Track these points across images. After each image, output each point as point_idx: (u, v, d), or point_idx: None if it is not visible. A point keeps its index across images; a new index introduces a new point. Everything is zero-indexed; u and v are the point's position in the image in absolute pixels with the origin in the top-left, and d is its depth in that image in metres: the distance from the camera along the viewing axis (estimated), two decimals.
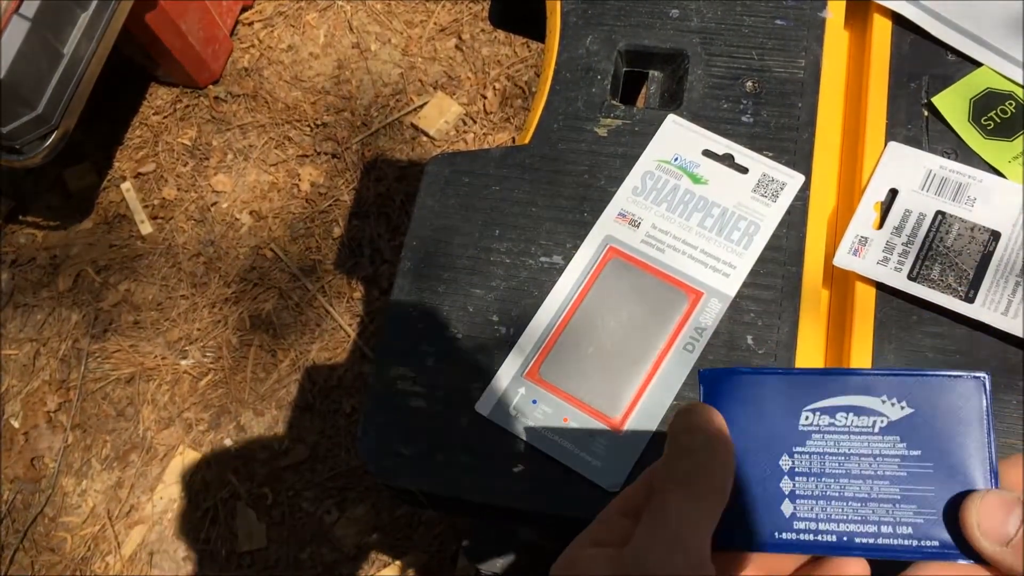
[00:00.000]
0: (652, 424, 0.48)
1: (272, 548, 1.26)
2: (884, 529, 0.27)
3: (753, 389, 0.29)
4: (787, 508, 0.28)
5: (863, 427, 0.28)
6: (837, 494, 0.28)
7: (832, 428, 0.28)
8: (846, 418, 0.28)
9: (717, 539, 0.27)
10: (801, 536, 0.28)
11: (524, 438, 0.49)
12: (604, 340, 0.51)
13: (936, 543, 0.27)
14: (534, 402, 0.49)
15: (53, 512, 1.33)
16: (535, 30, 0.64)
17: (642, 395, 0.49)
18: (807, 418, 0.29)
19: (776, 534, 0.28)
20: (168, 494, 1.31)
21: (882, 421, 0.28)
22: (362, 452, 0.50)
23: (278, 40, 1.61)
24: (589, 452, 0.48)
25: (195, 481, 1.31)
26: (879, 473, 0.28)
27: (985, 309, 0.48)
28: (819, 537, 0.28)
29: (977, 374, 0.28)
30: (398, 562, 1.23)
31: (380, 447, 0.50)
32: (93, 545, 1.30)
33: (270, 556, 1.25)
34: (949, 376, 0.28)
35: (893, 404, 0.28)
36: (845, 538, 0.27)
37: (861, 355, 0.49)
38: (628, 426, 0.48)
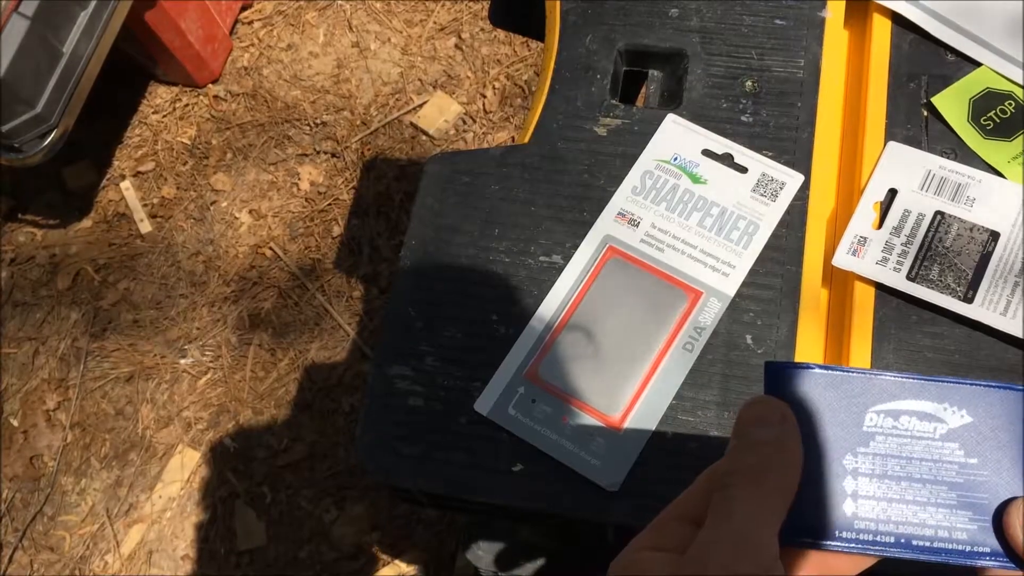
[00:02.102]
0: (651, 423, 0.48)
1: (271, 547, 1.26)
2: (940, 534, 0.28)
3: (818, 386, 0.29)
4: (849, 507, 0.28)
5: (925, 432, 0.29)
6: (898, 496, 0.28)
7: (895, 431, 0.29)
8: (909, 422, 0.29)
9: (779, 535, 0.27)
10: (861, 536, 0.28)
11: (523, 437, 0.49)
12: (603, 339, 0.51)
13: (988, 550, 0.28)
14: (533, 401, 0.49)
15: (52, 511, 1.33)
16: (535, 29, 0.64)
17: (641, 394, 0.49)
18: (871, 419, 0.29)
19: (838, 532, 0.28)
20: (167, 493, 1.31)
21: (943, 428, 0.29)
22: (361, 451, 0.50)
23: (278, 39, 1.61)
24: (588, 451, 0.48)
25: (194, 480, 1.31)
26: (938, 479, 0.28)
27: (984, 309, 0.48)
28: (878, 538, 0.28)
29: None
30: (397, 561, 1.23)
31: (379, 446, 0.50)
32: (92, 544, 1.30)
33: (269, 555, 1.25)
34: (1008, 389, 0.29)
35: (954, 412, 0.29)
36: (903, 540, 0.28)
37: (860, 355, 0.49)
38: (627, 425, 0.48)
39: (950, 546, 0.28)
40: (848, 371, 0.29)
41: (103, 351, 1.41)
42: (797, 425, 0.28)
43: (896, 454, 0.29)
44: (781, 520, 0.26)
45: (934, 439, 0.29)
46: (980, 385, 0.29)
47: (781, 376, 0.29)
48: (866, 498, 0.28)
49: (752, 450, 0.27)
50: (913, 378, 0.29)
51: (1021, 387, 0.29)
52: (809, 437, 0.28)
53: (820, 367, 0.29)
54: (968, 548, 0.28)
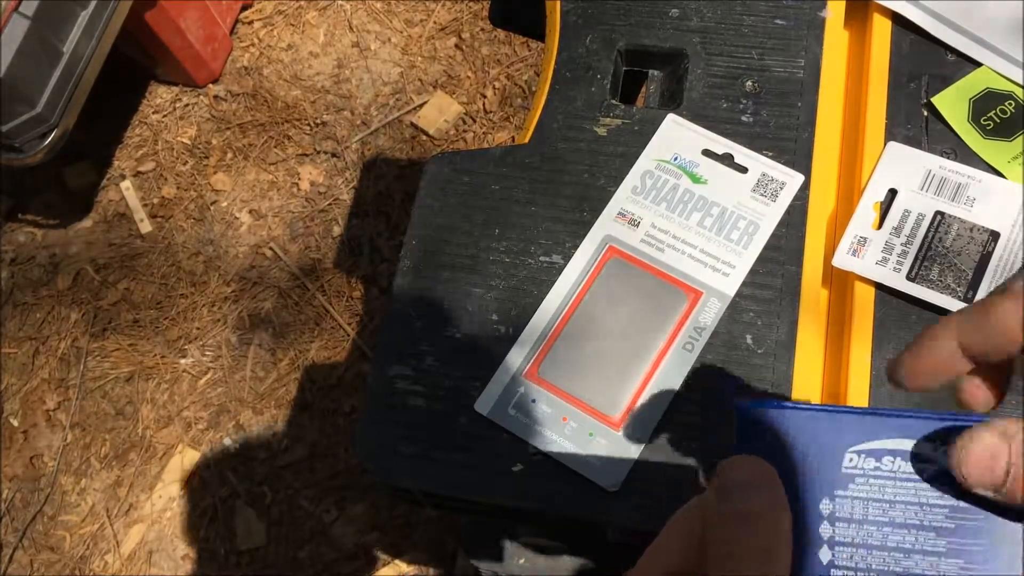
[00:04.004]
0: (652, 423, 0.48)
1: (271, 547, 1.26)
2: None
3: (793, 425, 0.27)
4: (825, 555, 0.26)
5: (910, 473, 0.26)
6: (879, 543, 0.26)
7: (878, 472, 0.26)
8: (893, 463, 0.26)
9: None
10: None
11: (523, 437, 0.49)
12: (603, 339, 0.51)
13: None
14: (533, 401, 0.49)
15: (52, 511, 1.33)
16: (535, 29, 0.64)
17: (641, 394, 0.49)
18: (851, 460, 0.27)
19: None
20: (167, 493, 1.31)
21: (931, 468, 0.26)
22: (361, 451, 0.50)
23: (278, 39, 1.61)
24: (588, 451, 0.48)
25: (194, 480, 1.31)
26: (925, 524, 0.26)
27: None
28: None
29: None
30: (397, 561, 1.23)
31: (379, 446, 0.50)
32: (92, 544, 1.30)
33: (269, 555, 1.25)
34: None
35: (945, 451, 0.26)
36: None
37: (860, 355, 0.49)
38: (627, 425, 0.48)
39: None
40: (824, 409, 0.27)
41: (103, 351, 1.41)
42: (782, 485, 0.26)
43: (878, 497, 0.26)
44: None
45: (921, 481, 0.26)
46: (970, 420, 0.26)
47: (753, 416, 0.27)
48: (843, 545, 0.26)
49: (751, 523, 0.25)
50: (896, 415, 0.27)
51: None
52: (785, 481, 0.26)
53: (794, 405, 0.27)
54: None
